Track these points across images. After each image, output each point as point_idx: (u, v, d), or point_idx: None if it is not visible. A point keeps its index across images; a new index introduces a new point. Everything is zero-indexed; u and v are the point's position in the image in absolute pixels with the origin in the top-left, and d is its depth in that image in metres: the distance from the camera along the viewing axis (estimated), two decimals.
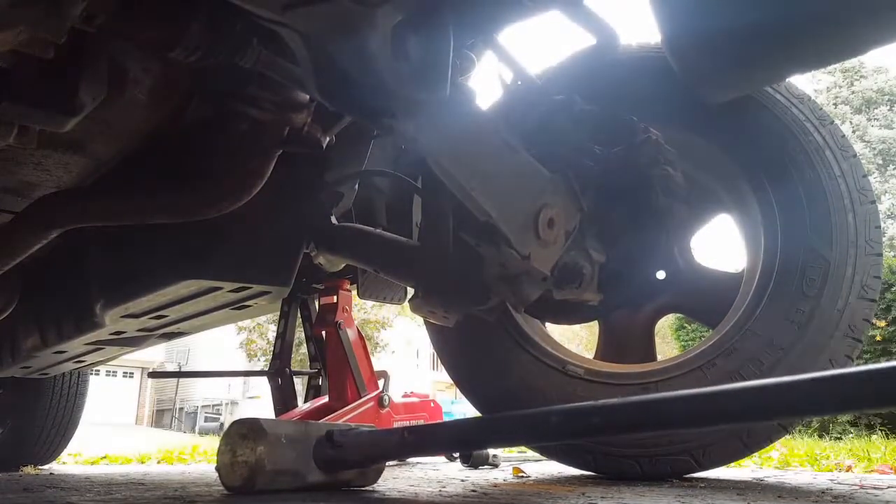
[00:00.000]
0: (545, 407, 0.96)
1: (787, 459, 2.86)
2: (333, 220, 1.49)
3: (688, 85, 1.40)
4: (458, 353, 1.80)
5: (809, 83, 21.48)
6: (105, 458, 4.10)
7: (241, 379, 23.14)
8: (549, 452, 1.74)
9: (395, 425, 2.52)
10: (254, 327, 16.38)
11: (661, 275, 1.67)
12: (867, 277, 1.42)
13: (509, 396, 1.66)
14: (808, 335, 1.40)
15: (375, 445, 1.16)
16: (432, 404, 2.82)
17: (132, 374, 24.98)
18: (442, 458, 2.75)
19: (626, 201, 1.34)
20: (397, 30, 0.94)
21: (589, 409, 0.88)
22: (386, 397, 2.47)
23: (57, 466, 3.23)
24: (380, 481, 1.36)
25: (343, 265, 1.76)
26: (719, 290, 1.75)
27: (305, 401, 2.85)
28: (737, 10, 1.19)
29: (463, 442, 1.11)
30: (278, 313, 2.90)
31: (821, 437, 7.95)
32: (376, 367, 2.58)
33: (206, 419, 23.48)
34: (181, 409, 25.29)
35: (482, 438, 1.08)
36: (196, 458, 4.18)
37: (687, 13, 1.25)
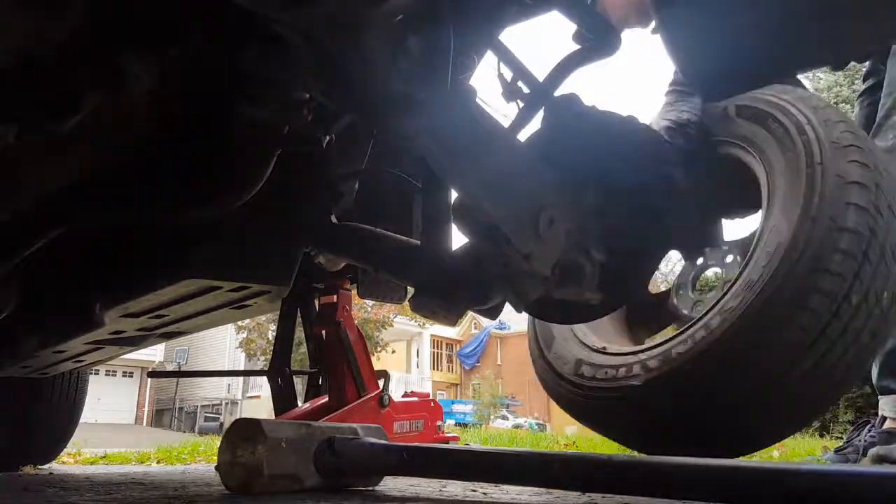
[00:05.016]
0: (549, 452, 0.95)
1: (788, 458, 2.86)
2: (333, 219, 1.49)
3: (688, 82, 1.40)
4: None
5: (810, 82, 21.47)
6: (105, 457, 4.09)
7: (240, 378, 23.14)
8: None
9: (396, 425, 2.52)
10: (254, 326, 16.37)
11: None
12: None
13: None
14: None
15: (374, 459, 1.15)
16: (432, 404, 2.81)
17: (132, 373, 24.95)
18: None
19: (626, 201, 1.33)
20: (398, 29, 0.94)
21: (593, 461, 0.87)
22: (386, 397, 2.47)
23: (56, 466, 3.23)
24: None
25: (343, 264, 1.75)
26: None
27: (305, 400, 2.84)
28: (738, 5, 1.18)
29: (461, 472, 1.10)
30: (278, 312, 2.89)
31: (821, 436, 7.97)
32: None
33: (206, 419, 23.43)
34: (181, 408, 25.26)
35: (483, 472, 1.06)
36: (196, 458, 4.17)
37: (686, 7, 1.24)
